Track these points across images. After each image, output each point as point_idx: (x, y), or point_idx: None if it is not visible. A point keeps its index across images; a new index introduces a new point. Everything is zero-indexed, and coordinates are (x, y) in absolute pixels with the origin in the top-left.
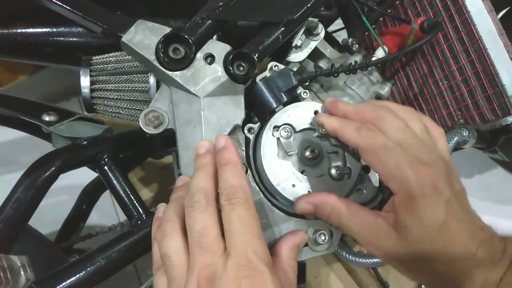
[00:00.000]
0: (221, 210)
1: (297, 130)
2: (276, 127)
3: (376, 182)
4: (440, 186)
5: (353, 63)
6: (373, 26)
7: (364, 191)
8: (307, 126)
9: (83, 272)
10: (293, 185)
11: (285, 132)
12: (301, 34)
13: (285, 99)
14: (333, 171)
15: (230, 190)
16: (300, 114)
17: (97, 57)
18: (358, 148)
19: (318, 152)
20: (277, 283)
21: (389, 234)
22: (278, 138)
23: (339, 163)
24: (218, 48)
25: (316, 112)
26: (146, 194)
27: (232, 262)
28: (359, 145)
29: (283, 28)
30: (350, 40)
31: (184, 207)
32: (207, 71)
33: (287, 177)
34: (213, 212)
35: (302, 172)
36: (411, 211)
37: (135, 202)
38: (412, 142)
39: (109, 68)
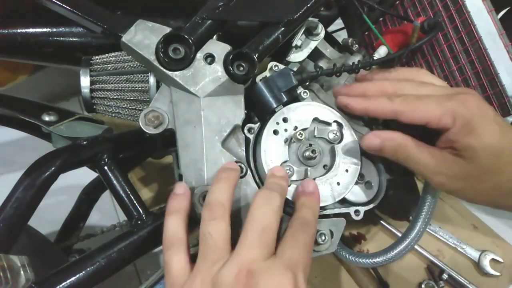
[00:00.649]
0: (289, 228)
1: (335, 147)
2: (339, 124)
3: (376, 182)
4: (483, 106)
5: (356, 63)
6: (373, 26)
7: (373, 184)
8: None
9: (83, 272)
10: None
11: (334, 135)
12: (301, 34)
13: (285, 99)
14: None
15: (306, 221)
16: (350, 148)
17: (97, 57)
18: (396, 114)
19: (319, 152)
20: None
21: (455, 160)
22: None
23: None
24: (218, 48)
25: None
26: (146, 194)
27: (280, 264)
28: (397, 110)
29: (283, 28)
30: (350, 40)
31: (232, 190)
32: (207, 71)
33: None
34: (279, 218)
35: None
36: (471, 133)
37: (135, 202)
38: (438, 89)
39: (109, 68)
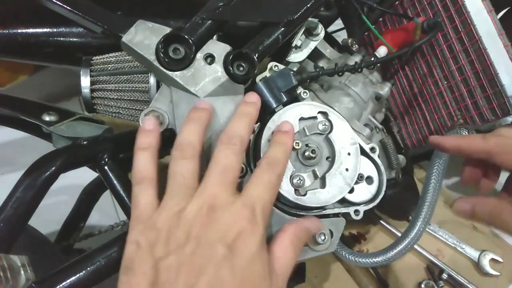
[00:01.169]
0: (257, 166)
1: (329, 137)
2: (323, 113)
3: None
4: None
5: (358, 62)
6: (373, 26)
7: (373, 184)
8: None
9: (83, 271)
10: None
11: (323, 125)
12: (301, 34)
13: (285, 99)
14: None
15: (274, 160)
16: (343, 132)
17: (97, 57)
18: (489, 154)
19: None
20: (263, 246)
21: None
22: (315, 117)
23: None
24: (218, 48)
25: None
26: None
27: (239, 202)
28: (491, 150)
29: (283, 29)
30: (350, 40)
31: (203, 131)
32: (207, 71)
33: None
34: (242, 160)
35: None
36: None
37: None
38: None
39: (109, 68)
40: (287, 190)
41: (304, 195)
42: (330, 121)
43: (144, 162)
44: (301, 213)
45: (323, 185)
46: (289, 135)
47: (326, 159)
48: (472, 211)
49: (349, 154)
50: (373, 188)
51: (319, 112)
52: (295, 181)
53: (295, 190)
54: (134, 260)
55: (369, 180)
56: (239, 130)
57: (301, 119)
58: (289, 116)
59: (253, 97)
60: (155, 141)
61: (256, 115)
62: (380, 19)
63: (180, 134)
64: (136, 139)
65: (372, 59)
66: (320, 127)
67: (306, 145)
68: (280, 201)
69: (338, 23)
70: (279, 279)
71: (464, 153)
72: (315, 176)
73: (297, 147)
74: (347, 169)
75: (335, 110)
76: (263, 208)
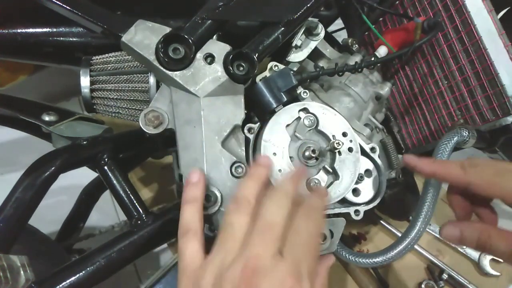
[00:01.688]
0: (295, 215)
1: (318, 129)
2: (306, 110)
3: (375, 182)
4: None
5: (358, 62)
6: (373, 26)
7: (365, 191)
8: (328, 133)
9: (83, 272)
10: (274, 154)
11: (309, 120)
12: (301, 34)
13: (285, 99)
14: (311, 183)
15: (312, 209)
16: (333, 122)
17: (97, 57)
18: (468, 185)
19: (317, 158)
20: None
21: None
22: (299, 117)
23: (322, 183)
24: (218, 48)
25: (344, 134)
26: (146, 194)
27: (284, 266)
28: (470, 181)
29: (283, 28)
30: (350, 40)
31: (261, 189)
32: (207, 71)
33: (277, 144)
34: (289, 215)
35: (290, 157)
36: None
37: (135, 202)
38: None
39: (109, 68)
40: None
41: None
42: (313, 114)
43: (190, 215)
44: None
45: (336, 177)
46: (323, 193)
47: (328, 151)
48: (460, 237)
49: (344, 134)
50: (373, 188)
51: (299, 111)
52: (311, 185)
53: None
54: None
55: (369, 180)
56: (286, 186)
57: (287, 126)
58: (277, 131)
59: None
60: (201, 194)
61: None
62: (381, 18)
63: (239, 189)
64: (183, 192)
65: (372, 59)
66: (307, 122)
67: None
68: None
69: (338, 23)
70: None
71: (440, 180)
72: (327, 171)
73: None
74: (349, 149)
75: (329, 107)
76: (310, 272)
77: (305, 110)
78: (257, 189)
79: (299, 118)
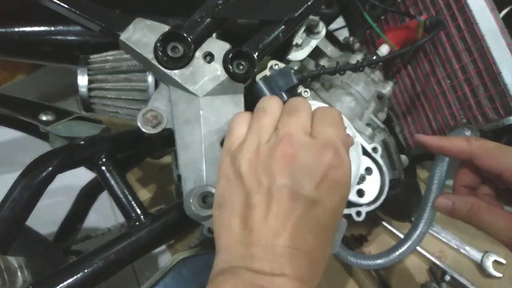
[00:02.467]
0: (313, 116)
1: None
2: None
3: (377, 182)
4: None
5: (360, 60)
6: (375, 24)
7: (367, 191)
8: None
9: (81, 273)
10: None
11: None
12: (302, 33)
13: (286, 98)
14: None
15: (325, 108)
16: None
17: (95, 56)
18: (471, 156)
19: None
20: (350, 165)
21: None
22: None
23: None
24: (218, 46)
25: None
26: (144, 194)
27: (318, 141)
28: (473, 153)
29: (283, 26)
30: (351, 38)
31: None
32: (206, 70)
33: None
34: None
35: None
36: None
37: (133, 203)
38: None
39: (107, 67)
40: None
41: None
42: None
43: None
44: None
45: None
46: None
47: None
48: (452, 208)
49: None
50: (375, 189)
51: None
52: None
53: None
54: (225, 195)
55: (371, 180)
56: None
57: None
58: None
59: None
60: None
61: None
62: (382, 17)
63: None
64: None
65: (374, 57)
66: None
67: None
68: None
69: (340, 21)
70: None
71: (447, 154)
72: None
73: None
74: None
75: (355, 127)
76: (344, 143)
77: None
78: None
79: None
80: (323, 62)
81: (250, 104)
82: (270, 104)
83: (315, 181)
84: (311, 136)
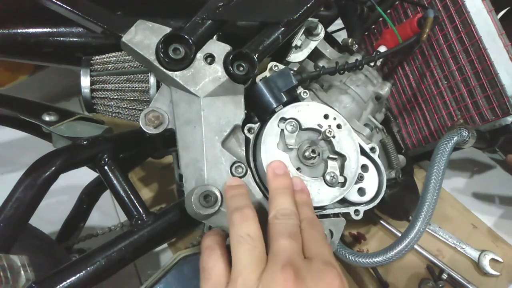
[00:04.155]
0: (302, 231)
1: (303, 127)
2: (283, 119)
3: (375, 182)
4: None
5: (359, 59)
6: (373, 26)
7: (365, 190)
8: (313, 126)
9: (83, 271)
10: None
11: (291, 126)
12: (301, 34)
13: (285, 99)
14: (327, 177)
15: (311, 219)
16: (310, 113)
17: (97, 57)
18: None
19: (319, 153)
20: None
21: None
22: (282, 130)
23: (336, 171)
24: (218, 48)
25: (326, 116)
26: (146, 194)
27: (318, 263)
28: None
29: (283, 28)
30: (350, 40)
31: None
32: (207, 71)
33: None
34: (298, 230)
35: (297, 169)
36: None
37: (135, 202)
38: None
39: (109, 68)
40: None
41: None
42: (290, 118)
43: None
44: None
45: (343, 158)
46: (306, 193)
47: (322, 140)
48: None
49: (325, 117)
50: (373, 188)
51: (278, 124)
52: (328, 179)
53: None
54: None
55: (369, 180)
56: (287, 205)
57: (277, 144)
58: (273, 156)
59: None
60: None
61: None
62: (380, 19)
63: (230, 203)
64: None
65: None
66: (290, 129)
67: (309, 146)
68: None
69: (338, 23)
70: None
71: None
72: (333, 159)
73: (318, 128)
74: (338, 126)
75: (353, 127)
76: (332, 257)
77: (282, 119)
78: (249, 199)
79: (282, 130)
80: (322, 63)
81: (250, 104)
82: (250, 229)
83: None
84: (306, 257)
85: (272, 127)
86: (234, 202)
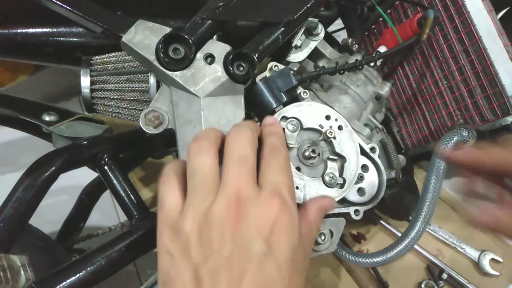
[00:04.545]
0: (261, 159)
1: (304, 127)
2: (285, 118)
3: (375, 182)
4: None
5: (359, 59)
6: (373, 26)
7: (365, 190)
8: (314, 126)
9: (83, 271)
10: (297, 187)
11: (292, 125)
12: (301, 34)
13: (285, 99)
14: (327, 177)
15: (273, 146)
16: (312, 113)
17: (97, 57)
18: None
19: (319, 154)
20: (299, 225)
21: None
22: (283, 129)
23: (335, 172)
24: (218, 48)
25: (328, 117)
26: (146, 194)
27: (266, 192)
28: None
29: (283, 28)
30: (350, 40)
31: (222, 135)
32: (207, 71)
33: None
34: (255, 148)
35: (296, 168)
36: None
37: (135, 202)
38: None
39: (109, 68)
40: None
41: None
42: (292, 117)
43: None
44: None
45: (343, 159)
46: (277, 125)
47: (323, 141)
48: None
49: (327, 118)
50: (373, 188)
51: (280, 120)
52: (327, 179)
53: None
54: (171, 272)
55: (369, 180)
56: (246, 125)
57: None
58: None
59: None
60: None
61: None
62: (380, 19)
63: (196, 135)
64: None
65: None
66: (291, 128)
67: (309, 146)
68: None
69: (338, 23)
70: (309, 248)
71: (482, 168)
72: (333, 160)
73: (319, 128)
74: (339, 127)
75: (353, 127)
76: (290, 191)
77: (283, 118)
78: (216, 131)
79: (283, 129)
80: (322, 63)
81: (250, 104)
82: (203, 160)
83: (263, 236)
84: (259, 185)
85: None
86: (199, 134)
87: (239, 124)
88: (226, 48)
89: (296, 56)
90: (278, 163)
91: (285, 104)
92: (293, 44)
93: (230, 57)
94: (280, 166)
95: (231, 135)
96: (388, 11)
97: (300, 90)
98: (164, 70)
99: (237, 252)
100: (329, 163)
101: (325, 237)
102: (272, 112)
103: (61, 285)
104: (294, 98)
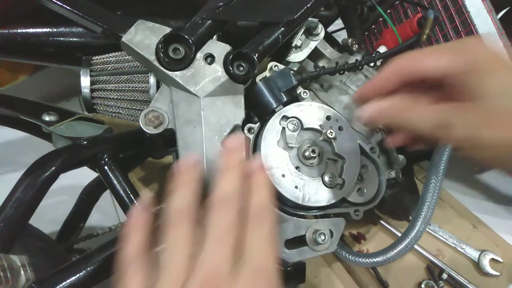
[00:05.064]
0: (247, 221)
1: (305, 127)
2: (285, 117)
3: (375, 182)
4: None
5: (359, 59)
6: (373, 26)
7: (365, 190)
8: (315, 126)
9: (83, 272)
10: (283, 175)
11: (292, 125)
12: (301, 34)
13: (285, 99)
14: (326, 178)
15: (260, 208)
16: (312, 113)
17: (97, 57)
18: (457, 74)
19: (319, 154)
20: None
21: (468, 108)
22: (283, 128)
23: (335, 172)
24: (218, 48)
25: (328, 117)
26: (146, 194)
27: (249, 270)
28: (461, 69)
29: (283, 28)
30: (350, 40)
31: (197, 195)
32: (207, 71)
33: (280, 165)
34: (237, 218)
35: (296, 168)
36: (485, 73)
37: (135, 202)
38: None
39: (109, 68)
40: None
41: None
42: (292, 117)
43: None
44: (300, 212)
45: (343, 160)
46: (263, 175)
47: (324, 141)
48: (373, 114)
49: (328, 118)
50: (373, 188)
51: (280, 122)
52: (327, 180)
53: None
54: None
55: (369, 180)
56: (229, 188)
57: (278, 142)
58: (273, 153)
59: (234, 141)
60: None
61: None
62: (380, 19)
63: (171, 202)
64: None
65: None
66: (292, 127)
67: (309, 146)
68: (280, 201)
69: (338, 23)
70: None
71: (403, 122)
72: (333, 160)
73: (320, 128)
74: (339, 128)
75: (352, 126)
76: (275, 264)
77: (284, 117)
78: (192, 194)
79: (283, 128)
80: (322, 63)
81: (250, 104)
82: (178, 235)
83: None
84: (241, 260)
85: (274, 124)
86: (173, 201)
87: (224, 188)
88: (226, 48)
89: (296, 56)
90: (264, 231)
91: (285, 104)
92: (293, 44)
93: (230, 57)
94: (266, 235)
95: (215, 205)
96: (388, 11)
97: (300, 90)
98: (164, 70)
99: None
100: (329, 164)
101: (325, 237)
102: (272, 112)
103: (61, 285)
104: (294, 98)
